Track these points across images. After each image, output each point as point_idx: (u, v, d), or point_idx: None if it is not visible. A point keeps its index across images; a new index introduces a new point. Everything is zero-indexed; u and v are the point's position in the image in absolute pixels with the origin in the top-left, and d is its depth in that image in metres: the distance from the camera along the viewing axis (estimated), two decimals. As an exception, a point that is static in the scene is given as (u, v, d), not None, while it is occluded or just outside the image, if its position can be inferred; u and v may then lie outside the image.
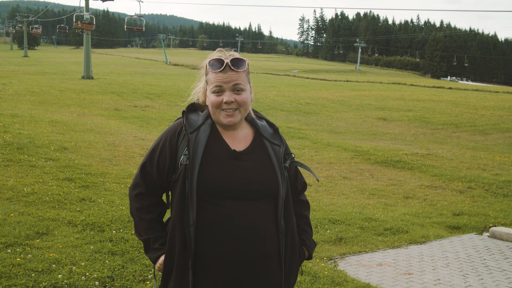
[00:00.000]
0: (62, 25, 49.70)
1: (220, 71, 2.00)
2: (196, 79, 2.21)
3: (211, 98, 2.02)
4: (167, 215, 2.19)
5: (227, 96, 1.99)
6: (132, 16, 46.76)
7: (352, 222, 7.03)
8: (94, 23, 34.56)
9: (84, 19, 34.43)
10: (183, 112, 2.11)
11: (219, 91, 2.00)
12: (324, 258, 5.46)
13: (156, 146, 2.10)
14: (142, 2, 35.18)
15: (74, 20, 36.15)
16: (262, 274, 2.00)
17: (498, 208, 9.35)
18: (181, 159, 2.01)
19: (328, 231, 6.48)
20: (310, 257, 2.32)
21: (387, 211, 8.40)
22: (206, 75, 2.09)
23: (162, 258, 2.06)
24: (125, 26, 47.58)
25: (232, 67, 2.00)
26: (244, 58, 2.06)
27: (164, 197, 2.20)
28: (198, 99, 2.18)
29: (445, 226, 7.93)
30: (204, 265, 1.96)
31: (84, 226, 5.40)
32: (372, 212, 8.04)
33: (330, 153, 14.36)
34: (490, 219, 8.42)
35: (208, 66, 2.04)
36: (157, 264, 2.08)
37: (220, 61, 2.02)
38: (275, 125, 2.21)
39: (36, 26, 78.29)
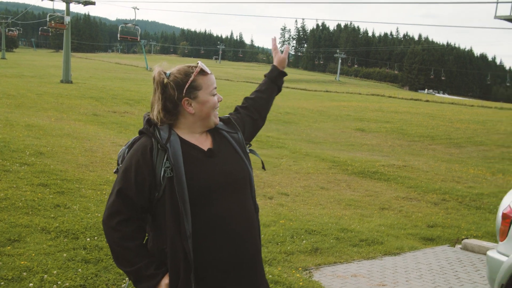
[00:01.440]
0: (45, 27, 48.53)
1: (210, 74, 2.15)
2: (153, 96, 2.14)
3: (213, 100, 2.13)
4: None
5: (219, 96, 2.18)
6: (126, 24, 43.47)
7: (328, 232, 7.08)
8: (67, 22, 33.85)
9: (66, 22, 34.03)
10: (153, 127, 2.08)
11: (215, 93, 2.15)
12: (299, 268, 5.48)
13: (128, 167, 2.03)
14: (138, 9, 34.29)
15: (48, 19, 36.82)
16: (258, 269, 2.13)
17: (471, 221, 9.53)
18: (162, 174, 1.99)
19: (304, 241, 6.51)
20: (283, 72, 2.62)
21: (363, 222, 8.48)
22: (191, 83, 2.09)
23: (163, 280, 1.98)
24: (119, 35, 43.99)
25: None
26: None
27: None
28: (154, 115, 2.11)
29: (420, 237, 8.04)
30: (205, 274, 1.99)
31: (57, 233, 5.32)
32: (348, 223, 8.11)
33: (308, 163, 14.45)
34: (462, 231, 8.57)
35: (201, 71, 2.12)
36: (162, 285, 1.98)
37: (203, 66, 2.15)
38: (226, 116, 2.34)
39: (12, 28, 77.23)
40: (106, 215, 2.02)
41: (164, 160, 1.99)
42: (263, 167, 2.46)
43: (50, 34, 48.80)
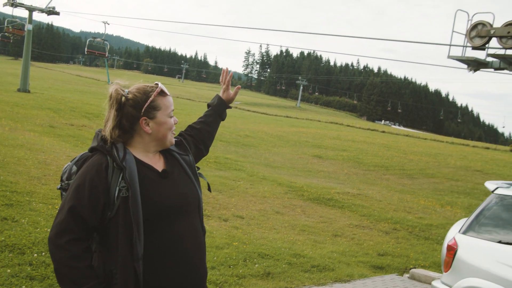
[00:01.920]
0: (5, 33, 46.99)
1: (169, 95, 2.16)
2: (107, 111, 2.14)
3: (170, 122, 2.15)
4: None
5: (175, 118, 2.20)
6: (95, 38, 40.72)
7: (281, 257, 7.12)
8: (29, 30, 33.11)
9: (27, 30, 33.24)
10: (109, 145, 2.06)
11: (172, 115, 2.17)
12: (250, 292, 5.49)
13: (81, 185, 1.97)
14: (108, 24, 33.39)
15: (5, 24, 37.06)
16: (202, 276, 2.14)
17: (419, 251, 9.81)
18: (116, 193, 1.96)
19: (257, 265, 6.53)
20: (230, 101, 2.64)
21: (315, 248, 8.58)
22: (150, 102, 2.10)
23: None
24: (86, 49, 41.38)
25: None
26: None
27: None
28: (107, 133, 2.11)
29: (370, 265, 8.20)
30: None
31: (2, 248, 5.14)
32: (301, 248, 8.19)
33: (265, 187, 14.53)
34: (411, 261, 8.81)
35: (161, 92, 2.13)
36: None
37: (163, 87, 2.16)
38: (178, 138, 2.36)
39: None
40: (54, 233, 1.93)
41: (120, 179, 1.97)
42: (209, 189, 2.45)
43: (11, 41, 46.97)
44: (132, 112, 2.08)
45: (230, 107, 2.67)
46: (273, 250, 7.45)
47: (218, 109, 2.60)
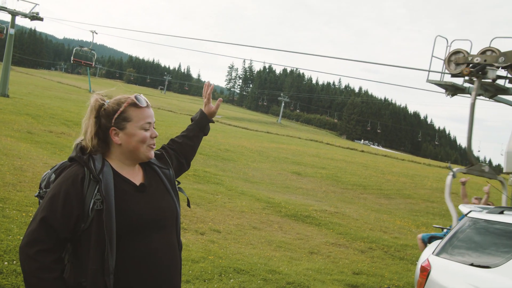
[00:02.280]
0: None
1: (146, 107, 2.12)
2: (85, 122, 2.17)
3: (142, 134, 2.09)
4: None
5: (153, 132, 2.14)
6: (82, 47, 39.54)
7: (256, 273, 7.11)
8: (11, 34, 32.62)
9: (5, 33, 32.88)
10: (88, 157, 2.06)
11: (148, 127, 2.11)
12: (225, 307, 5.46)
13: (55, 195, 1.95)
14: (96, 33, 32.32)
15: None
16: None
17: (394, 270, 9.88)
18: (91, 205, 1.94)
19: (232, 280, 6.50)
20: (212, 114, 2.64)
21: (291, 265, 8.59)
22: (121, 113, 2.10)
23: None
24: (72, 57, 40.38)
25: (149, 104, 2.16)
26: None
27: None
28: (85, 141, 2.14)
29: (345, 284, 8.23)
30: None
31: (-26, 254, 5.03)
32: (277, 265, 8.18)
33: (243, 202, 14.52)
34: (385, 280, 8.87)
35: (131, 102, 2.10)
36: None
37: (143, 98, 2.14)
38: (159, 151, 2.37)
39: None
40: (25, 242, 1.91)
41: (95, 192, 1.95)
42: (188, 205, 2.45)
43: None
44: (105, 122, 2.10)
45: (213, 121, 2.68)
46: (249, 265, 7.44)
47: (200, 123, 2.60)
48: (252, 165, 26.41)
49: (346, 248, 11.23)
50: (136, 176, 2.14)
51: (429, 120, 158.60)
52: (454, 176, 7.71)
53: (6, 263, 4.98)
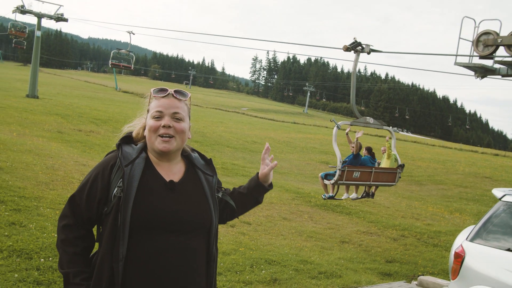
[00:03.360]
0: (19, 39, 47.24)
1: (163, 97, 2.09)
2: (138, 113, 2.26)
3: (150, 123, 2.08)
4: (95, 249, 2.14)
5: (165, 120, 2.06)
6: (119, 50, 37.40)
7: (287, 263, 7.09)
8: (26, 31, 33.16)
9: (35, 37, 33.56)
10: (118, 145, 2.11)
11: (159, 116, 2.07)
12: (257, 298, 5.46)
13: (88, 179, 2.08)
14: (134, 34, 30.20)
15: (9, 27, 38.59)
16: None
17: (428, 257, 9.73)
18: (114, 191, 2.00)
19: (263, 271, 6.50)
20: (270, 186, 2.38)
21: (323, 255, 8.54)
22: (148, 104, 2.15)
23: None
24: (110, 61, 38.67)
25: (174, 95, 2.11)
26: (188, 92, 2.16)
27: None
28: (132, 132, 2.21)
29: (378, 272, 8.15)
30: None
31: (10, 252, 5.15)
32: (308, 255, 8.15)
33: (271, 193, 14.50)
34: (419, 268, 8.74)
35: (152, 94, 2.12)
36: None
37: (163, 89, 2.13)
38: (208, 157, 2.30)
39: None
40: (59, 216, 2.10)
41: (120, 179, 2.00)
42: (237, 217, 2.42)
43: (25, 47, 47.30)
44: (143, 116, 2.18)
45: (267, 189, 2.39)
46: (280, 256, 7.42)
47: (254, 193, 2.38)
48: (279, 156, 26.35)
49: (378, 236, 11.11)
50: (173, 174, 2.11)
51: (459, 104, 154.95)
52: (338, 127, 9.50)
53: (42, 260, 5.08)
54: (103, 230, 2.03)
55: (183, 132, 2.10)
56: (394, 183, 10.17)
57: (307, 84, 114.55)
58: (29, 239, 5.66)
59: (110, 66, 39.31)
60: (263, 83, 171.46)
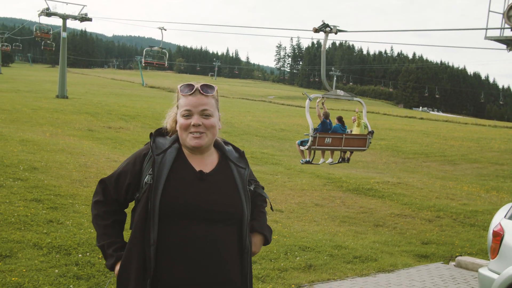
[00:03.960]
0: (48, 41, 48.39)
1: (190, 95, 2.11)
2: (171, 105, 2.30)
3: (180, 121, 2.12)
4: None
5: (195, 119, 2.09)
6: (152, 47, 35.54)
7: (322, 249, 7.06)
8: (51, 32, 33.82)
9: (61, 38, 34.19)
10: (151, 134, 2.18)
11: (188, 114, 2.10)
12: (293, 285, 5.46)
13: (122, 164, 2.20)
14: (165, 30, 28.86)
15: (34, 30, 40.71)
16: None
17: (465, 238, 9.54)
18: (145, 178, 2.07)
19: (298, 258, 6.49)
20: (268, 242, 2.34)
21: (357, 239, 8.47)
22: (177, 100, 2.18)
23: (117, 267, 2.07)
24: (143, 60, 37.30)
25: (201, 91, 2.12)
26: (214, 85, 2.16)
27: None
28: (167, 125, 2.27)
29: (414, 254, 8.03)
30: (162, 286, 1.97)
31: (49, 249, 5.28)
32: (342, 240, 8.09)
33: (302, 180, 14.45)
34: (456, 249, 8.58)
35: (179, 91, 2.14)
36: (115, 272, 2.09)
37: (190, 86, 2.14)
38: (241, 150, 2.30)
39: (5, 44, 77.87)
40: (93, 193, 2.23)
41: (151, 167, 2.06)
42: (271, 208, 2.47)
43: (53, 49, 48.43)
44: (174, 109, 2.22)
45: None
46: (313, 242, 7.39)
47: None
48: (308, 143, 26.20)
49: (412, 219, 10.95)
50: (204, 165, 2.13)
51: (491, 80, 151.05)
52: (310, 99, 10.14)
53: (80, 255, 5.19)
54: (135, 216, 2.09)
55: (213, 127, 2.13)
56: (365, 148, 11.08)
57: (333, 68, 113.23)
58: (66, 235, 5.79)
59: (143, 64, 38.63)
60: (289, 70, 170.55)
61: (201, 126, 2.09)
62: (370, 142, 11.08)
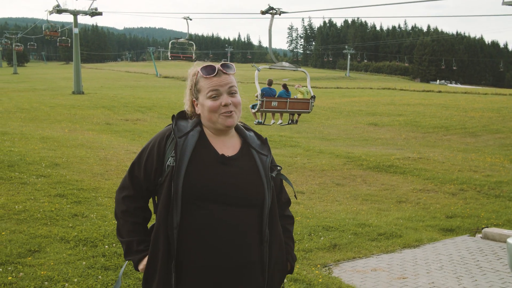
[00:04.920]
0: (63, 37, 48.97)
1: (214, 76, 2.08)
2: (187, 90, 2.26)
3: (208, 104, 2.07)
4: (152, 222, 2.19)
5: (225, 99, 2.06)
6: (178, 39, 31.60)
7: (345, 228, 7.04)
8: (59, 30, 34.46)
9: (73, 34, 34.41)
10: (173, 117, 2.16)
11: (215, 95, 2.07)
12: (318, 265, 5.46)
13: (144, 149, 2.15)
14: (191, 19, 25.41)
15: (43, 28, 41.82)
16: (243, 283, 2.02)
17: (490, 209, 9.41)
18: (168, 161, 2.05)
19: (322, 238, 6.48)
20: (291, 271, 2.30)
21: (380, 216, 8.43)
22: (195, 85, 2.14)
23: (145, 259, 2.07)
24: (169, 53, 34.60)
25: (223, 71, 2.09)
26: (232, 64, 2.15)
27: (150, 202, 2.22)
28: (187, 108, 2.24)
29: (439, 229, 7.96)
30: (185, 269, 1.98)
31: (76, 242, 5.36)
32: (365, 218, 8.06)
33: (322, 160, 14.39)
34: (482, 221, 8.47)
35: (200, 73, 2.11)
36: (141, 266, 2.09)
37: (211, 67, 2.11)
38: (263, 137, 2.27)
39: (18, 44, 78.70)
40: (118, 188, 2.19)
41: (173, 150, 2.04)
42: (295, 197, 2.45)
43: (69, 45, 48.55)
44: (190, 94, 2.18)
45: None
46: (337, 222, 7.37)
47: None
48: (326, 123, 26.08)
49: (435, 193, 10.84)
50: (226, 148, 2.11)
51: (510, 47, 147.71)
52: (258, 70, 11.51)
53: (106, 246, 5.26)
54: (158, 200, 2.08)
55: (240, 104, 2.12)
56: (308, 110, 12.56)
57: (346, 47, 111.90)
58: (91, 228, 5.86)
59: (170, 58, 36.13)
60: (302, 52, 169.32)
61: (231, 105, 2.07)
62: (313, 105, 12.59)
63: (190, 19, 25.53)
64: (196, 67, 2.17)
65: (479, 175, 12.86)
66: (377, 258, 5.89)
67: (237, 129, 2.21)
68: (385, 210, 9.11)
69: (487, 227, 7.52)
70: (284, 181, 2.29)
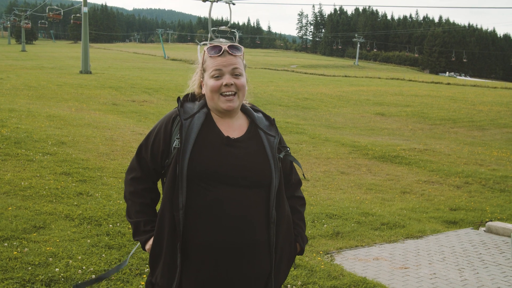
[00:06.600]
0: (77, 15, 49.76)
1: (219, 56, 2.06)
2: (194, 71, 2.26)
3: (210, 83, 2.06)
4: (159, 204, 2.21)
5: (226, 79, 2.04)
6: (219, 27, 26.60)
7: (349, 216, 7.04)
8: (62, 13, 34.90)
9: (83, 13, 34.27)
10: (178, 99, 2.15)
11: (218, 75, 2.05)
12: (321, 252, 5.48)
13: (152, 131, 2.16)
14: (234, 4, 21.61)
15: (46, 11, 43.53)
16: (249, 262, 2.02)
17: (495, 203, 9.39)
18: (174, 143, 2.06)
19: (325, 225, 6.49)
20: (301, 252, 2.31)
21: (384, 206, 8.42)
22: (203, 64, 2.13)
23: (150, 241, 2.10)
24: (208, 43, 30.40)
25: (229, 52, 2.07)
26: (241, 46, 2.12)
27: (159, 184, 2.23)
28: (194, 90, 2.23)
29: (442, 221, 7.96)
30: (191, 250, 1.98)
31: (81, 220, 5.40)
32: (369, 207, 8.06)
33: (328, 148, 14.37)
34: (486, 214, 8.46)
35: (206, 53, 2.10)
36: (147, 246, 2.11)
37: (218, 47, 2.09)
38: (271, 118, 2.25)
39: (26, 21, 78.54)
40: (127, 169, 2.23)
41: (179, 132, 2.04)
42: (303, 176, 2.44)
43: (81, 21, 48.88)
44: (199, 74, 2.17)
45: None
46: (340, 210, 7.38)
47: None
48: (333, 111, 25.99)
49: (440, 185, 10.82)
50: (232, 130, 2.10)
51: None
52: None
53: (111, 225, 5.29)
54: (165, 181, 2.09)
55: (244, 87, 2.09)
56: None
57: (356, 35, 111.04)
58: (96, 207, 5.90)
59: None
60: (311, 39, 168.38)
61: (233, 86, 2.04)
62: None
63: (233, 4, 21.31)
64: (205, 47, 2.15)
65: (484, 168, 12.82)
66: (379, 248, 5.90)
67: (244, 110, 2.19)
68: (389, 200, 9.10)
69: (491, 220, 7.51)
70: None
